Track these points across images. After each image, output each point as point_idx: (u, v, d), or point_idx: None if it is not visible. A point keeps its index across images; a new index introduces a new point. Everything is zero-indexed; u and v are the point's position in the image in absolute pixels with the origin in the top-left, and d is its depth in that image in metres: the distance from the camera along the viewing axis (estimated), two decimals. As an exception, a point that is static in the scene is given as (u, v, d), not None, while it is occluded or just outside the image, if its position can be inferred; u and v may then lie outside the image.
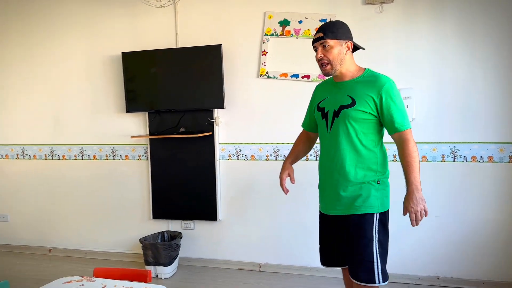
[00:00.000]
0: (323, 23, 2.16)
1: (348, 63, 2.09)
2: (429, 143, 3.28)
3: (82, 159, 4.25)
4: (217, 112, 3.75)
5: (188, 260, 3.92)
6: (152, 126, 3.90)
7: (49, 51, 4.25)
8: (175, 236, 3.80)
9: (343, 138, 2.07)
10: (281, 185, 2.35)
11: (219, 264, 3.85)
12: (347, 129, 2.05)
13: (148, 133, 3.92)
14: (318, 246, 2.30)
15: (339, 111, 2.06)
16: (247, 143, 3.74)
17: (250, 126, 3.71)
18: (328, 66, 2.07)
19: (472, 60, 3.16)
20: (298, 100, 3.51)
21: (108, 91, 4.08)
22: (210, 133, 3.74)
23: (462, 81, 3.18)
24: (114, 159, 4.14)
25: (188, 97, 3.70)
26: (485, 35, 3.12)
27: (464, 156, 3.22)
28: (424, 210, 1.94)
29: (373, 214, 2.04)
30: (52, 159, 4.35)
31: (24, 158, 4.46)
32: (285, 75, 3.57)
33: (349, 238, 2.08)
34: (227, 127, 3.77)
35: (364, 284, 2.02)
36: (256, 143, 3.72)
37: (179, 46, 3.81)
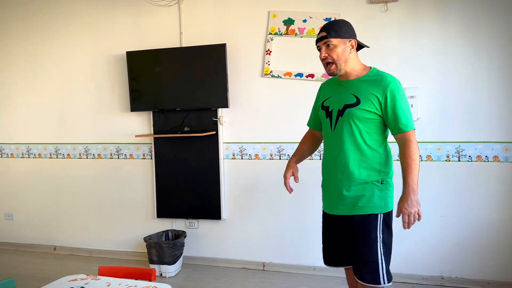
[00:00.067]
0: (327, 22, 2.14)
1: (353, 62, 2.08)
2: (434, 142, 3.27)
3: (87, 158, 4.26)
4: (221, 111, 3.75)
5: (192, 259, 3.93)
6: (156, 125, 3.91)
7: (54, 50, 4.27)
8: (179, 235, 3.81)
9: (347, 137, 2.06)
10: (285, 184, 2.35)
11: (223, 263, 3.85)
12: (351, 129, 2.04)
13: (152, 132, 3.93)
14: (321, 245, 2.29)
15: (344, 110, 2.05)
16: (251, 142, 3.74)
17: (254, 125, 3.71)
18: (333, 66, 2.05)
19: (477, 60, 3.14)
20: (302, 100, 3.51)
21: (112, 90, 4.09)
22: (214, 132, 3.74)
23: (467, 80, 3.17)
24: (118, 158, 4.15)
25: (192, 96, 3.70)
26: (490, 34, 3.11)
27: (469, 156, 3.20)
28: (418, 213, 1.92)
29: (377, 214, 2.03)
30: (57, 158, 4.37)
31: (29, 157, 4.48)
32: (289, 74, 3.56)
33: (353, 238, 2.07)
34: (231, 126, 3.77)
35: (369, 285, 2.02)
36: (260, 142, 3.72)
37: (184, 45, 3.82)
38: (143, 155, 4.06)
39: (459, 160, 3.23)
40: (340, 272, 3.38)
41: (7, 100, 4.49)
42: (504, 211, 3.16)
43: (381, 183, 2.05)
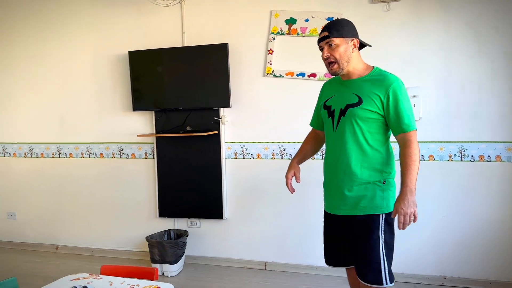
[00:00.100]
0: (328, 21, 2.14)
1: (355, 61, 2.06)
2: (436, 142, 3.27)
3: (89, 157, 4.27)
4: (223, 111, 3.75)
5: (194, 258, 3.93)
6: (158, 124, 3.91)
7: (56, 49, 4.28)
8: (181, 235, 3.82)
9: (349, 137, 2.05)
10: (287, 184, 2.34)
11: (225, 263, 3.86)
12: (353, 128, 2.04)
13: (154, 131, 3.93)
14: (323, 245, 2.29)
15: (346, 110, 2.05)
16: (253, 142, 3.74)
17: (256, 124, 3.71)
18: (335, 65, 2.04)
19: (480, 59, 3.13)
20: (304, 99, 3.51)
21: (114, 90, 4.10)
22: (216, 132, 3.74)
23: (469, 80, 3.16)
24: (120, 157, 4.16)
25: (194, 95, 3.71)
26: (492, 33, 3.10)
27: (472, 156, 3.20)
28: (414, 215, 1.89)
29: (379, 215, 2.02)
30: (59, 157, 4.38)
31: (31, 156, 4.49)
32: (291, 73, 3.56)
33: (354, 238, 2.07)
34: (233, 126, 3.77)
35: (372, 285, 2.01)
36: (262, 142, 3.71)
37: (186, 45, 3.82)
38: (145, 155, 4.06)
39: (461, 160, 3.22)
40: (342, 272, 3.37)
41: (9, 99, 4.50)
42: (507, 211, 3.15)
43: (383, 183, 2.04)
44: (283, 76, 3.58)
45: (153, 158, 4.02)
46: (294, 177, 2.35)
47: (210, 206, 3.82)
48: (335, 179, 2.13)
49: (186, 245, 3.78)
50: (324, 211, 2.26)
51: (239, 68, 3.68)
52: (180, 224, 4.00)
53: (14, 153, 4.55)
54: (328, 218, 2.23)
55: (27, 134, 4.47)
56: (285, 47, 3.56)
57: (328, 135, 2.18)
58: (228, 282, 3.50)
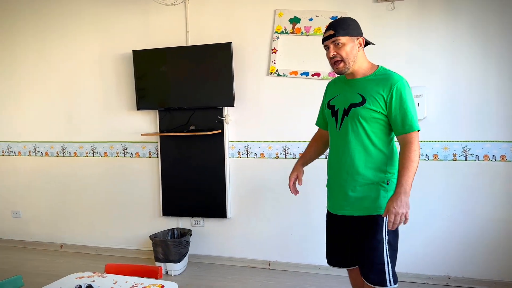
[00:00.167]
0: (333, 20, 2.12)
1: (360, 60, 2.05)
2: (441, 141, 3.25)
3: (94, 156, 4.28)
4: (227, 110, 3.76)
5: (198, 257, 3.94)
6: (162, 123, 3.92)
7: (61, 49, 4.29)
8: (184, 233, 3.82)
9: (352, 137, 2.04)
10: (289, 185, 2.35)
11: (228, 262, 3.86)
12: (356, 128, 2.02)
13: (158, 130, 3.94)
14: (325, 245, 2.29)
15: (349, 110, 2.03)
16: (257, 141, 3.74)
17: (260, 124, 3.71)
18: (341, 64, 2.02)
19: (485, 58, 3.12)
20: (308, 98, 3.50)
21: (119, 89, 4.11)
22: (220, 131, 3.75)
23: (475, 79, 3.15)
24: (125, 156, 4.17)
25: (198, 95, 3.71)
26: (498, 33, 3.08)
27: (476, 155, 3.18)
28: (406, 216, 1.88)
29: (382, 216, 2.00)
30: (64, 156, 4.40)
31: (36, 155, 4.51)
32: (295, 73, 3.56)
33: (358, 239, 2.06)
34: (237, 125, 3.78)
35: (376, 286, 2.01)
36: (265, 141, 3.71)
37: (190, 44, 3.82)
38: (149, 154, 4.07)
39: (466, 160, 3.21)
40: (345, 272, 3.35)
41: (14, 98, 4.52)
42: (511, 210, 3.13)
43: (387, 184, 2.03)
44: (286, 75, 3.58)
45: (157, 157, 4.02)
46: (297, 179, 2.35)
47: (214, 205, 3.82)
48: (339, 179, 2.12)
49: (189, 244, 3.79)
50: (327, 211, 2.25)
51: (243, 67, 3.68)
52: (183, 223, 4.01)
53: (19, 152, 4.58)
54: (331, 218, 2.22)
55: (32, 133, 4.49)
56: (289, 46, 3.56)
57: (331, 134, 2.17)
58: (232, 281, 3.51)
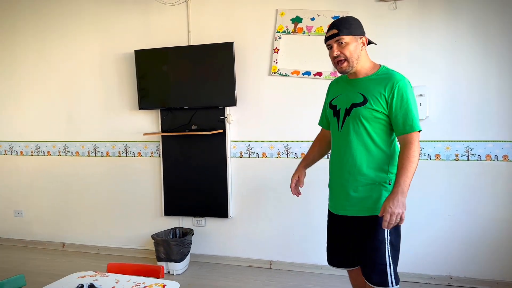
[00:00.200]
0: (335, 19, 2.10)
1: (363, 60, 2.04)
2: (443, 141, 3.25)
3: (95, 155, 4.29)
4: (228, 110, 3.76)
5: (199, 256, 3.94)
6: (164, 123, 3.92)
7: (62, 48, 4.30)
8: (186, 233, 3.83)
9: (354, 137, 2.03)
10: (290, 187, 2.35)
11: (230, 261, 3.86)
12: (358, 128, 2.01)
13: (160, 130, 3.94)
14: (326, 245, 2.28)
15: (351, 109, 2.02)
16: (259, 141, 3.74)
17: (262, 123, 3.71)
18: (345, 63, 2.01)
19: (487, 58, 3.11)
20: (310, 98, 3.50)
21: (121, 89, 4.11)
22: (222, 131, 3.75)
23: (476, 79, 3.14)
24: (126, 156, 4.17)
25: (200, 94, 3.71)
26: (500, 32, 3.08)
27: (478, 155, 3.18)
28: (401, 216, 1.85)
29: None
30: (66, 155, 4.40)
31: (38, 155, 4.52)
32: (297, 72, 3.56)
33: (360, 240, 2.05)
34: (239, 125, 3.78)
35: (378, 287, 2.00)
36: (267, 141, 3.71)
37: (191, 43, 3.83)
38: (151, 153, 4.08)
39: (468, 159, 3.20)
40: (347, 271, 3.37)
41: (16, 98, 4.53)
42: (514, 210, 3.13)
43: (389, 184, 2.01)
44: (288, 75, 3.58)
45: (159, 156, 4.03)
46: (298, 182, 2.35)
47: (216, 205, 3.82)
48: (340, 179, 2.11)
49: (191, 243, 3.79)
50: (329, 210, 2.24)
51: (244, 67, 3.68)
52: (185, 222, 4.01)
53: (21, 151, 4.59)
54: (333, 218, 2.21)
55: (34, 132, 4.50)
56: (291, 45, 3.56)
57: (333, 134, 2.16)
58: (233, 281, 3.51)
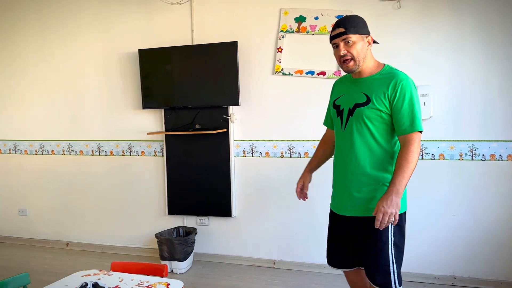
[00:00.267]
0: (341, 17, 2.08)
1: (368, 59, 2.02)
2: (447, 141, 3.24)
3: (99, 155, 4.30)
4: (232, 109, 3.76)
5: (203, 255, 3.95)
6: (168, 122, 3.93)
7: (66, 47, 4.31)
8: (190, 232, 3.83)
9: (357, 137, 2.02)
10: (296, 192, 2.35)
11: (233, 260, 3.87)
12: (361, 128, 2.00)
13: (164, 129, 3.95)
14: (327, 244, 2.26)
15: (354, 110, 2.01)
16: (262, 140, 3.74)
17: (265, 123, 3.71)
18: (351, 62, 1.98)
19: (491, 57, 3.10)
20: (313, 97, 3.50)
21: (124, 88, 4.12)
22: (225, 130, 3.75)
23: (481, 78, 3.13)
24: (130, 155, 4.18)
25: (203, 94, 3.72)
26: (504, 32, 3.06)
27: (483, 155, 3.17)
28: (395, 216, 1.84)
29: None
30: (70, 154, 4.42)
31: (42, 154, 4.54)
32: (300, 72, 3.55)
33: (363, 240, 2.03)
34: (242, 124, 3.78)
35: None
36: (271, 140, 3.71)
37: (195, 43, 3.83)
38: (155, 152, 4.08)
39: (472, 159, 3.19)
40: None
41: (20, 97, 4.54)
42: (518, 210, 3.12)
43: None
44: (292, 74, 3.58)
45: (163, 155, 4.04)
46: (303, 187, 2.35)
47: (219, 204, 3.83)
48: (343, 180, 2.10)
49: (194, 242, 3.80)
50: (331, 210, 2.23)
51: (248, 66, 3.68)
52: (188, 221, 4.02)
53: (25, 151, 4.60)
54: (335, 218, 2.20)
55: (38, 131, 4.52)
56: (295, 45, 3.56)
57: (337, 135, 2.15)
58: (237, 280, 3.51)
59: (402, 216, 2.03)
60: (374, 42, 2.08)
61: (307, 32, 3.51)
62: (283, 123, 3.65)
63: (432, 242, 3.30)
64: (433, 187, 3.27)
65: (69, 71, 4.32)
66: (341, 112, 2.08)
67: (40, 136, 4.52)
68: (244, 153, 3.80)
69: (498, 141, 3.13)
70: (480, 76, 3.13)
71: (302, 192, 2.35)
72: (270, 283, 3.44)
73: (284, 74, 3.60)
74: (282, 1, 3.57)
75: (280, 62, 3.60)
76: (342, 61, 2.00)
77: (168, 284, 1.87)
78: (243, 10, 3.69)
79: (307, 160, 3.55)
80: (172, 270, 3.65)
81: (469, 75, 3.15)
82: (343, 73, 2.15)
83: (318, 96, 3.45)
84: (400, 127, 1.95)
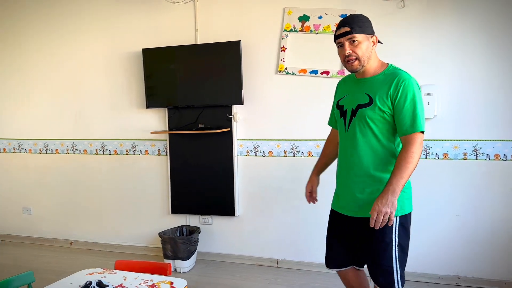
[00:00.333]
0: (346, 16, 2.06)
1: (372, 59, 2.01)
2: (451, 140, 3.23)
3: (103, 154, 4.31)
4: (235, 108, 3.76)
5: (206, 254, 3.96)
6: (171, 121, 3.94)
7: (70, 47, 4.32)
8: (193, 231, 3.84)
9: (360, 138, 2.00)
10: (306, 196, 2.36)
11: (237, 259, 3.87)
12: (364, 129, 1.99)
13: (167, 128, 3.96)
14: (325, 244, 2.25)
15: (357, 110, 2.00)
16: (265, 139, 3.74)
17: (268, 122, 3.71)
18: (356, 62, 1.97)
19: (496, 56, 3.09)
20: (317, 96, 3.50)
21: (128, 87, 4.13)
22: (228, 129, 3.75)
23: (485, 77, 3.12)
24: (134, 154, 4.19)
25: (207, 93, 3.72)
26: (509, 31, 3.05)
27: (487, 154, 3.15)
28: (390, 217, 1.82)
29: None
30: (74, 153, 4.43)
31: (46, 153, 4.55)
32: (304, 71, 3.55)
33: (367, 240, 2.01)
34: (245, 123, 3.78)
35: None
36: (274, 139, 3.71)
37: (199, 42, 3.83)
38: (158, 152, 4.09)
39: (476, 159, 3.18)
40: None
41: (25, 96, 4.56)
42: (523, 210, 3.11)
43: None
44: (295, 74, 3.58)
45: (166, 155, 4.04)
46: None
47: (222, 203, 3.83)
48: (347, 181, 2.09)
49: (198, 241, 3.80)
50: (332, 210, 2.22)
51: (251, 66, 3.68)
52: (192, 220, 4.02)
53: (30, 149, 4.62)
54: (336, 217, 2.18)
55: (43, 130, 4.54)
56: (298, 44, 3.55)
57: (340, 135, 2.14)
58: (240, 279, 3.52)
59: (407, 217, 2.02)
60: (378, 42, 2.06)
61: (311, 31, 3.51)
62: (286, 122, 3.65)
63: (436, 241, 3.29)
64: (437, 186, 3.26)
65: (73, 70, 4.34)
66: (344, 113, 2.07)
67: (44, 135, 4.54)
68: (247, 152, 3.80)
69: (502, 140, 3.11)
70: (484, 76, 3.12)
71: (311, 196, 2.35)
72: (273, 282, 3.44)
73: (287, 73, 3.60)
74: (286, 0, 3.56)
75: (283, 61, 3.60)
76: (347, 60, 1.98)
77: (172, 283, 1.88)
78: (246, 9, 3.69)
79: (311, 159, 3.56)
80: (175, 269, 3.66)
81: (473, 74, 3.14)
82: (346, 72, 2.15)
83: (322, 95, 3.44)
84: (401, 127, 1.93)
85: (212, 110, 3.79)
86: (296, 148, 3.64)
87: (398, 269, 1.97)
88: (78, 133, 4.39)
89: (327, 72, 3.48)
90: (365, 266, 2.14)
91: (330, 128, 2.40)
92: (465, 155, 3.20)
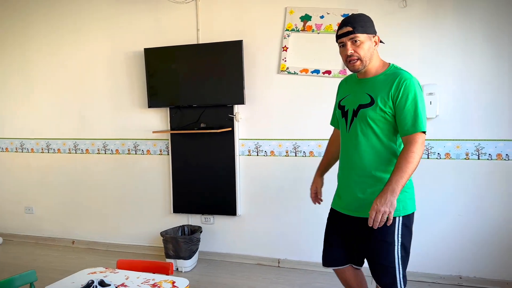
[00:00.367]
0: (349, 16, 2.06)
1: (374, 59, 2.00)
2: (453, 140, 3.22)
3: (105, 153, 4.32)
4: (237, 108, 3.76)
5: (208, 254, 3.96)
6: (173, 121, 3.94)
7: (72, 47, 4.33)
8: (195, 230, 3.84)
9: (361, 138, 2.00)
10: (311, 198, 2.37)
11: (238, 259, 3.87)
12: (366, 130, 1.98)
13: (169, 128, 3.96)
14: (323, 244, 2.25)
15: (358, 111, 1.99)
16: (267, 139, 3.74)
17: (270, 122, 3.71)
18: (358, 62, 1.96)
19: (498, 56, 3.08)
20: (318, 96, 3.50)
21: (130, 87, 4.14)
22: (230, 129, 3.75)
23: (487, 77, 3.11)
24: (136, 153, 4.20)
25: (208, 92, 3.72)
26: (510, 30, 3.04)
27: (489, 154, 3.15)
28: (388, 216, 1.80)
29: (395, 218, 1.94)
30: (76, 153, 4.44)
31: (48, 152, 4.56)
32: (305, 70, 3.55)
33: (369, 240, 2.01)
34: (247, 123, 3.78)
35: None
36: (276, 139, 3.71)
37: (200, 42, 3.83)
38: (160, 151, 4.10)
39: (478, 158, 3.18)
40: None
41: (27, 96, 4.57)
42: (525, 210, 3.10)
43: None
44: (297, 73, 3.57)
45: (168, 154, 4.05)
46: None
47: (224, 203, 3.83)
48: (348, 181, 2.08)
49: (200, 241, 3.81)
50: (332, 209, 2.21)
51: (253, 65, 3.68)
52: (194, 220, 4.03)
53: (32, 149, 4.63)
54: (336, 216, 2.17)
55: (45, 130, 4.55)
56: (300, 44, 3.55)
57: (342, 135, 2.14)
58: (241, 279, 3.52)
59: (410, 217, 2.02)
60: (380, 41, 2.06)
61: (313, 31, 3.51)
62: (288, 122, 3.65)
63: (438, 241, 3.28)
64: (439, 186, 3.26)
65: (75, 70, 4.34)
66: (346, 113, 2.07)
67: (46, 135, 4.55)
68: (249, 152, 3.80)
69: (504, 140, 3.11)
70: (487, 75, 3.11)
71: (316, 197, 2.36)
72: (275, 282, 3.44)
73: (289, 73, 3.60)
74: (288, 0, 3.56)
75: (285, 61, 3.59)
76: (349, 60, 1.98)
77: (173, 282, 1.88)
78: (248, 9, 3.69)
79: (312, 159, 3.56)
80: (177, 268, 3.66)
81: (475, 74, 3.14)
82: (348, 72, 2.14)
83: (323, 95, 3.44)
84: (402, 127, 1.92)
85: (214, 109, 3.80)
86: (298, 148, 3.64)
87: (400, 269, 1.97)
88: (80, 133, 4.40)
89: (329, 72, 3.48)
90: (365, 266, 2.14)
91: (332, 128, 2.40)
92: (467, 154, 3.20)
